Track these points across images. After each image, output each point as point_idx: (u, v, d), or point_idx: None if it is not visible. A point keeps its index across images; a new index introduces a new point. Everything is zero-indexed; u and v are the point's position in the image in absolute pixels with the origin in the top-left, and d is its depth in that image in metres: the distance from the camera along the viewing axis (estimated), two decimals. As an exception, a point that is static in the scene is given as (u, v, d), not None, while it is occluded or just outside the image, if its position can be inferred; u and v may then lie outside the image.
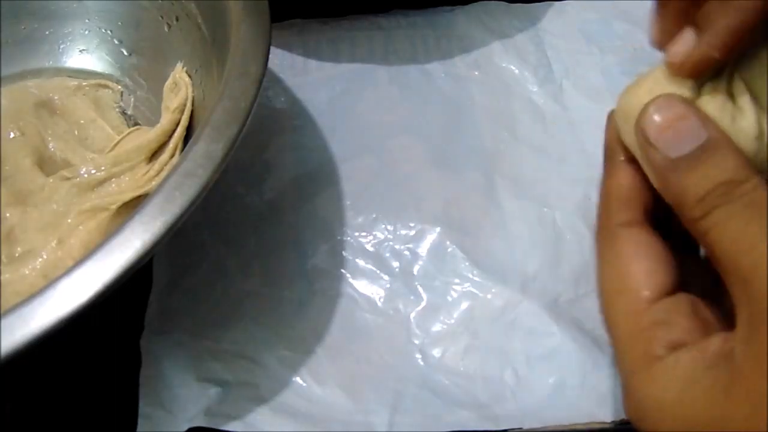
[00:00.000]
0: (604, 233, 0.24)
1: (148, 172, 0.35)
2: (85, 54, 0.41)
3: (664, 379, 0.20)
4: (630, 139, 0.24)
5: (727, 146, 0.20)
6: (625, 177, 0.24)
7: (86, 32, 0.40)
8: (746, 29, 0.21)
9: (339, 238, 0.36)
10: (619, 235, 0.23)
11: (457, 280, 0.35)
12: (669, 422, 0.20)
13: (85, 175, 0.35)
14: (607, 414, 0.30)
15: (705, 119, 0.21)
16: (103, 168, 0.35)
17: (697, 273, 0.24)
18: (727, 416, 0.18)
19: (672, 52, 0.22)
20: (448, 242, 0.36)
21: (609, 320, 0.23)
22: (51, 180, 0.35)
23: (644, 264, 0.22)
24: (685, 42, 0.22)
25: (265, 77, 0.29)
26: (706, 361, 0.19)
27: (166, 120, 0.35)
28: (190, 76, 0.36)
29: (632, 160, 0.24)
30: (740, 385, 0.18)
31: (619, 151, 0.25)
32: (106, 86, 0.40)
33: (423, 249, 0.36)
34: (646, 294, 0.22)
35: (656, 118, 0.21)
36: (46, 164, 0.36)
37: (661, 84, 0.23)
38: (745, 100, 0.22)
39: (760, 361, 0.17)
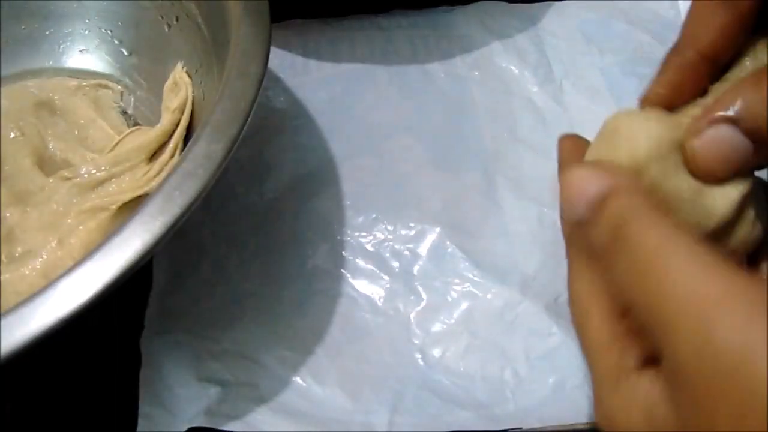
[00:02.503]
0: (574, 240, 0.24)
1: (148, 172, 0.35)
2: (85, 54, 0.41)
3: (626, 401, 0.19)
4: None
5: (622, 192, 0.20)
6: None
7: (86, 32, 0.40)
8: (690, 69, 0.23)
9: (339, 238, 0.36)
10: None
11: (457, 280, 0.35)
12: None
13: (85, 175, 0.35)
14: (607, 414, 0.30)
15: (599, 172, 0.21)
16: (103, 168, 0.35)
17: None
18: None
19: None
20: (448, 242, 0.36)
21: (580, 326, 0.22)
22: (51, 180, 0.35)
23: None
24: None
25: (265, 77, 0.29)
26: (659, 391, 0.19)
27: (166, 120, 0.35)
28: (190, 76, 0.36)
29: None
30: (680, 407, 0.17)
31: (575, 158, 0.25)
32: (106, 86, 0.40)
33: (423, 249, 0.36)
34: (621, 302, 0.21)
35: (562, 193, 0.22)
36: (46, 164, 0.36)
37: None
38: None
39: (688, 416, 0.17)
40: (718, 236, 0.22)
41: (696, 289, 0.16)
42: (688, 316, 0.16)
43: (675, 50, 0.23)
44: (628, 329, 0.20)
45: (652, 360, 0.20)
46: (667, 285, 0.17)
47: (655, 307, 0.17)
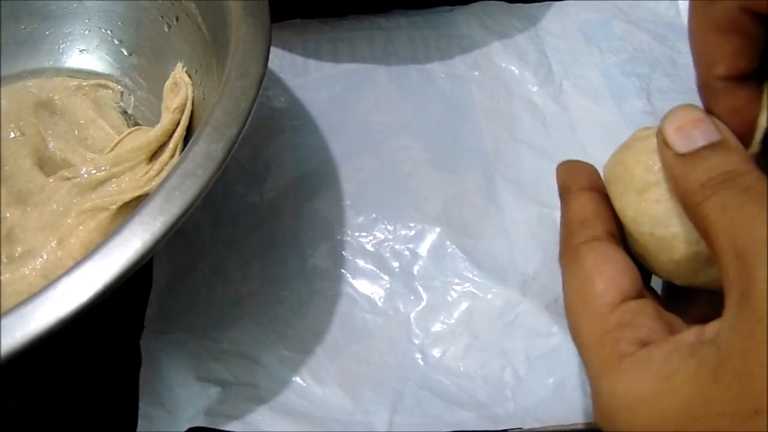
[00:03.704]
0: (567, 253, 0.25)
1: (148, 172, 0.35)
2: (85, 54, 0.41)
3: (636, 375, 0.20)
4: (619, 204, 0.25)
5: (738, 148, 0.22)
6: (584, 201, 0.25)
7: (86, 32, 0.40)
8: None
9: (339, 238, 0.36)
10: (581, 251, 0.24)
11: (457, 280, 0.35)
12: (643, 418, 0.19)
13: (85, 175, 0.35)
14: (607, 414, 0.30)
15: (720, 125, 0.22)
16: (103, 168, 0.35)
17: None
18: (714, 398, 0.18)
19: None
20: (448, 242, 0.36)
21: (574, 329, 0.23)
22: (51, 180, 0.35)
23: (606, 273, 0.23)
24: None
25: (265, 77, 0.29)
26: (683, 351, 0.19)
27: (166, 120, 0.35)
28: (190, 76, 0.36)
29: (590, 189, 0.25)
30: (728, 366, 0.18)
31: (574, 185, 0.26)
32: (106, 86, 0.40)
33: (423, 249, 0.36)
34: (608, 299, 0.22)
35: (674, 121, 0.22)
36: (46, 164, 0.36)
37: (647, 154, 0.24)
38: None
39: (751, 338, 0.18)
40: None
41: None
42: None
43: (709, 91, 0.23)
44: (618, 323, 0.21)
45: (648, 343, 0.21)
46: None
47: (747, 235, 0.19)
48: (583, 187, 0.25)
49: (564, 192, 0.26)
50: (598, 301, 0.22)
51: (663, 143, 0.22)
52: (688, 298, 0.25)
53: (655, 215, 0.23)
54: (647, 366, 0.20)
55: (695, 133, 0.22)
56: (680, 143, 0.22)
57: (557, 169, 0.27)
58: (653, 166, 0.23)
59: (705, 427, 0.18)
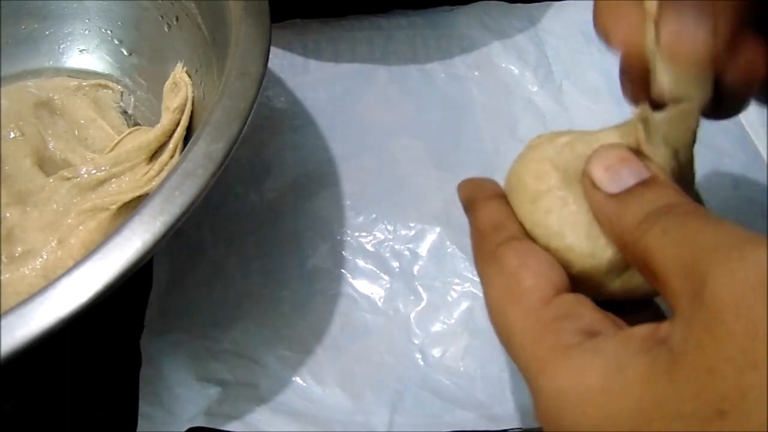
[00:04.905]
0: (483, 258, 0.23)
1: (148, 172, 0.35)
2: (85, 54, 0.41)
3: (582, 369, 0.18)
4: (518, 215, 0.24)
5: (669, 183, 0.21)
6: (493, 207, 0.24)
7: (86, 32, 0.40)
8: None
9: (339, 238, 0.36)
10: (500, 252, 0.22)
11: (457, 280, 0.35)
12: (591, 418, 0.18)
13: (86, 175, 0.35)
14: (607, 414, 0.30)
15: (648, 162, 0.21)
16: (103, 168, 0.35)
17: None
18: (669, 399, 0.16)
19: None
20: (448, 242, 0.36)
21: (504, 332, 0.21)
22: (51, 180, 0.35)
23: (533, 268, 0.21)
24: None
25: (265, 77, 0.29)
26: (635, 345, 0.18)
27: (166, 120, 0.35)
28: (190, 76, 0.36)
29: (497, 197, 0.25)
30: (685, 365, 0.16)
31: (480, 195, 0.25)
32: (106, 86, 0.40)
33: (423, 249, 0.36)
34: (539, 294, 0.21)
35: (600, 161, 0.22)
36: (46, 164, 0.36)
37: (538, 162, 0.23)
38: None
39: (709, 334, 0.16)
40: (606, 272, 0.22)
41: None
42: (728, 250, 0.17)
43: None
44: (556, 316, 0.20)
45: (594, 334, 0.19)
46: (705, 237, 0.18)
47: (694, 246, 0.18)
48: (490, 197, 0.25)
49: (470, 204, 0.25)
50: (529, 297, 0.21)
51: (591, 185, 0.21)
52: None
53: (548, 225, 0.22)
54: (594, 358, 0.18)
55: (624, 172, 0.21)
56: (610, 184, 0.21)
57: (459, 186, 0.26)
58: (544, 174, 0.23)
59: (660, 430, 0.17)
